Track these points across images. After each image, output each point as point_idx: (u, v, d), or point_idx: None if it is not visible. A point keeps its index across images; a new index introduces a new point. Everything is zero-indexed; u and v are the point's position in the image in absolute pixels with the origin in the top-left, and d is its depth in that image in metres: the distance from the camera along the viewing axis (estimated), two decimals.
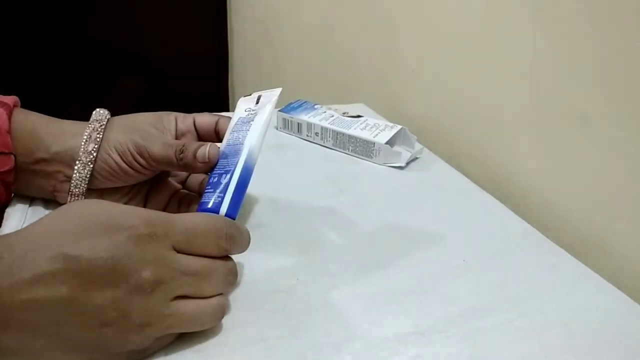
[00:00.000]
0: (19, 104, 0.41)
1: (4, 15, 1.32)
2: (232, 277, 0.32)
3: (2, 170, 0.38)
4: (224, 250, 0.31)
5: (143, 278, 0.27)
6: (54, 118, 0.41)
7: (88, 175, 0.39)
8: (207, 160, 0.39)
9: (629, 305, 0.38)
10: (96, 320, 0.26)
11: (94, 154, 0.38)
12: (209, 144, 0.39)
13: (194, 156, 0.39)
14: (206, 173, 0.41)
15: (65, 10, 1.35)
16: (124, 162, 0.39)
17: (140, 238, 0.28)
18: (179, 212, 0.43)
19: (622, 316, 0.37)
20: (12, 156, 0.38)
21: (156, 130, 0.41)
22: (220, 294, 0.31)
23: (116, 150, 0.39)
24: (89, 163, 0.38)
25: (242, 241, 0.32)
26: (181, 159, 0.39)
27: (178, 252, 0.29)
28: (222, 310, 0.31)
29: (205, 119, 0.43)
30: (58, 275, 0.25)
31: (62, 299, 0.25)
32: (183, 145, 0.39)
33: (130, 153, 0.39)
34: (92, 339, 0.27)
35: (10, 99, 0.39)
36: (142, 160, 0.39)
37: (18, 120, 0.39)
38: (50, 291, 0.25)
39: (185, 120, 0.43)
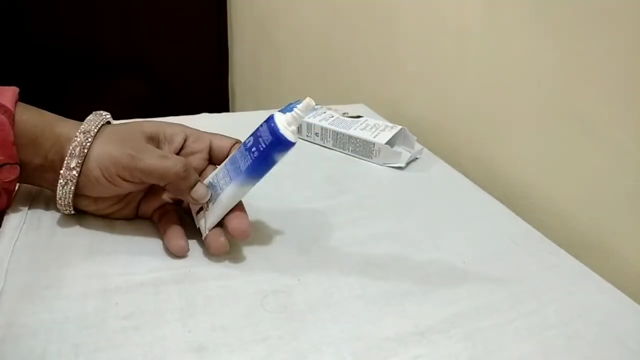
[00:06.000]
0: (18, 97, 0.39)
1: (3, 16, 1.32)
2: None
3: (7, 180, 0.38)
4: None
5: None
6: (52, 118, 0.40)
7: (72, 190, 0.38)
8: (200, 199, 0.39)
9: (629, 305, 0.38)
10: None
11: (78, 169, 0.37)
12: (204, 185, 0.39)
13: (190, 189, 0.38)
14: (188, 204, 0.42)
15: (64, 11, 1.36)
16: (104, 177, 0.37)
17: None
18: (157, 226, 0.41)
19: (622, 316, 0.37)
20: (17, 166, 0.38)
21: (150, 144, 0.39)
22: None
23: (97, 166, 0.37)
24: (71, 180, 0.37)
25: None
26: (184, 177, 0.38)
27: None
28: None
29: (222, 143, 0.42)
30: None
31: None
32: (185, 170, 0.38)
33: (113, 165, 0.37)
34: None
35: (9, 100, 0.38)
36: (125, 174, 0.37)
37: (20, 122, 0.38)
38: None
39: (199, 141, 0.42)
